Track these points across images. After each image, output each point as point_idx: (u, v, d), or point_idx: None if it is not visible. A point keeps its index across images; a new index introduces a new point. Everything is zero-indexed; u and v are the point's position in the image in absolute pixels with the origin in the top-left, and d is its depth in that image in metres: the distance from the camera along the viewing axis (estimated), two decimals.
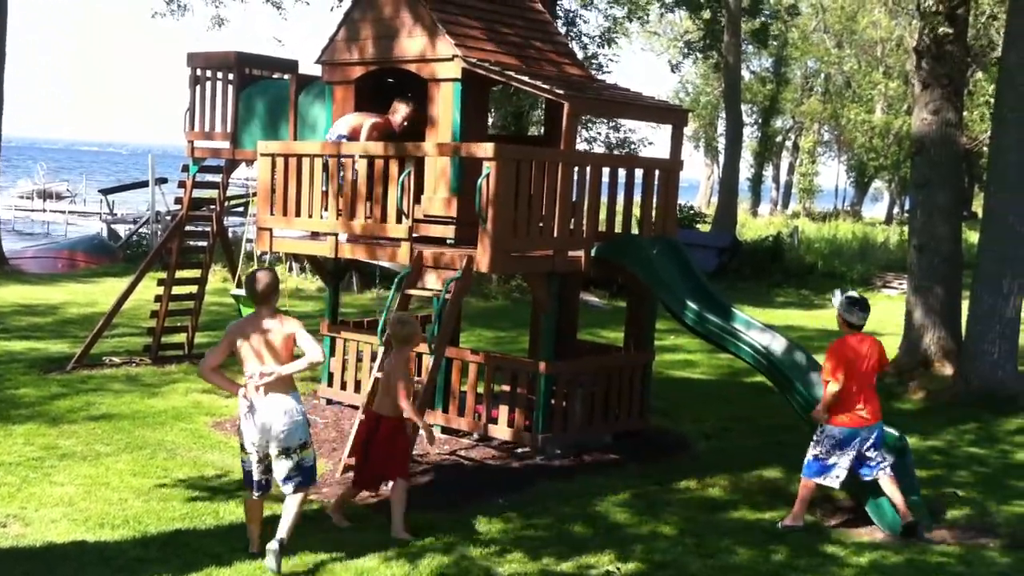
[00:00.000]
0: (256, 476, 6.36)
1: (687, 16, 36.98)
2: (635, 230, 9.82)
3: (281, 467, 6.29)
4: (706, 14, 30.39)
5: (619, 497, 8.01)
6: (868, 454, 7.49)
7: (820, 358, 9.48)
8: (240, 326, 6.36)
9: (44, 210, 40.15)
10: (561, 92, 8.73)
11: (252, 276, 6.38)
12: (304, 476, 6.36)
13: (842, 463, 7.46)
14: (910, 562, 6.88)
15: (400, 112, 9.80)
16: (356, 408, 9.55)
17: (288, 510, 6.30)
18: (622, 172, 9.75)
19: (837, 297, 7.74)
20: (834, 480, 7.52)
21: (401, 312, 7.36)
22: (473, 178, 8.63)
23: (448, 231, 9.21)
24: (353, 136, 9.57)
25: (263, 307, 6.32)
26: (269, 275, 6.36)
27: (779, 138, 58.95)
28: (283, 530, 6.23)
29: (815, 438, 7.60)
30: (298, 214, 9.60)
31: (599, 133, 28.64)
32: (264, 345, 6.21)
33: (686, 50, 37.40)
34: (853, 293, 7.84)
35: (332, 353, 10.50)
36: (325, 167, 9.46)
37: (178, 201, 12.52)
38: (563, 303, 9.73)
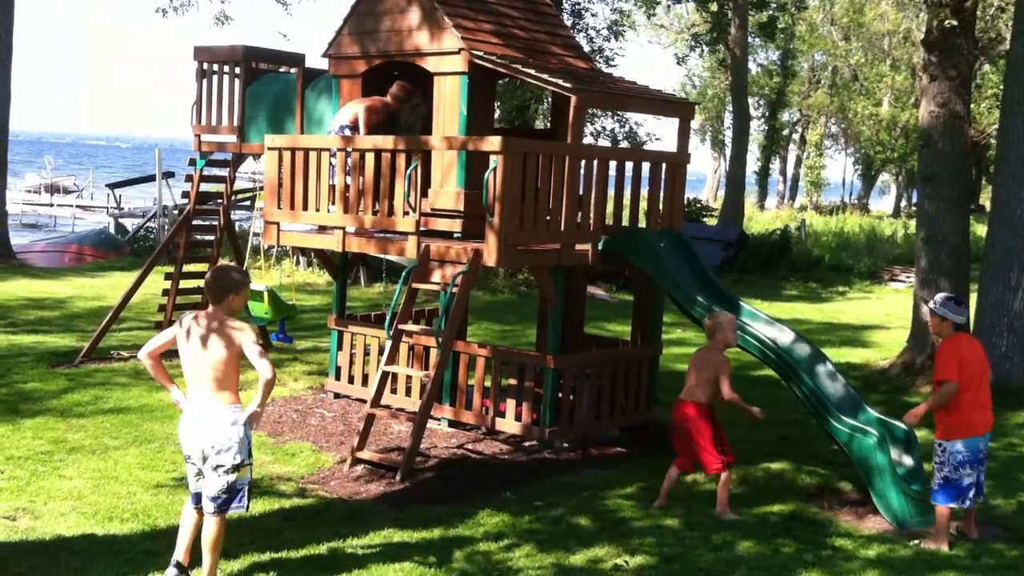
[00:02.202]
0: (192, 487, 5.87)
1: (694, 9, 36.87)
2: (642, 223, 9.81)
3: (210, 484, 5.71)
4: (713, 6, 30.32)
5: (626, 490, 8.02)
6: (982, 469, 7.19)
7: (827, 351, 9.50)
8: (188, 322, 5.74)
9: (51, 204, 40.27)
10: (568, 85, 8.72)
11: (210, 271, 5.86)
12: (232, 498, 5.73)
13: (974, 479, 7.11)
14: (918, 555, 6.88)
15: (393, 92, 9.78)
16: (363, 402, 9.56)
17: (207, 543, 5.75)
18: (629, 165, 9.73)
19: (938, 300, 7.25)
20: (971, 501, 7.16)
21: (719, 312, 7.79)
22: (480, 172, 8.62)
23: (455, 225, 9.22)
24: (355, 125, 9.58)
25: (215, 307, 5.72)
26: (229, 273, 5.77)
27: (786, 131, 58.83)
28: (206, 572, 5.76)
29: (938, 459, 7.15)
30: (305, 208, 9.60)
31: (603, 127, 28.63)
32: (204, 351, 5.64)
33: (693, 43, 37.31)
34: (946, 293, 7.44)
35: (340, 347, 10.52)
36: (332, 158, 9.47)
37: (185, 195, 12.52)
38: (570, 296, 9.73)
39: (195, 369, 5.71)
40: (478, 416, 9.45)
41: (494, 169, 8.25)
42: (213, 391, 5.67)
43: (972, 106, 19.56)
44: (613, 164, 9.47)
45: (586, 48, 23.12)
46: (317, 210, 9.53)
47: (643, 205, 9.78)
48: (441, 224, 9.29)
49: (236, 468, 5.68)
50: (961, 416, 7.05)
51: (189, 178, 12.35)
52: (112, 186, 36.62)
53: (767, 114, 53.30)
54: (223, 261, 15.46)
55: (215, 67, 11.56)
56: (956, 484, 7.06)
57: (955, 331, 7.19)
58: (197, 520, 5.88)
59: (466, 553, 6.53)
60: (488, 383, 9.47)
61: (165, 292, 12.54)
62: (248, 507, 5.88)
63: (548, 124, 11.14)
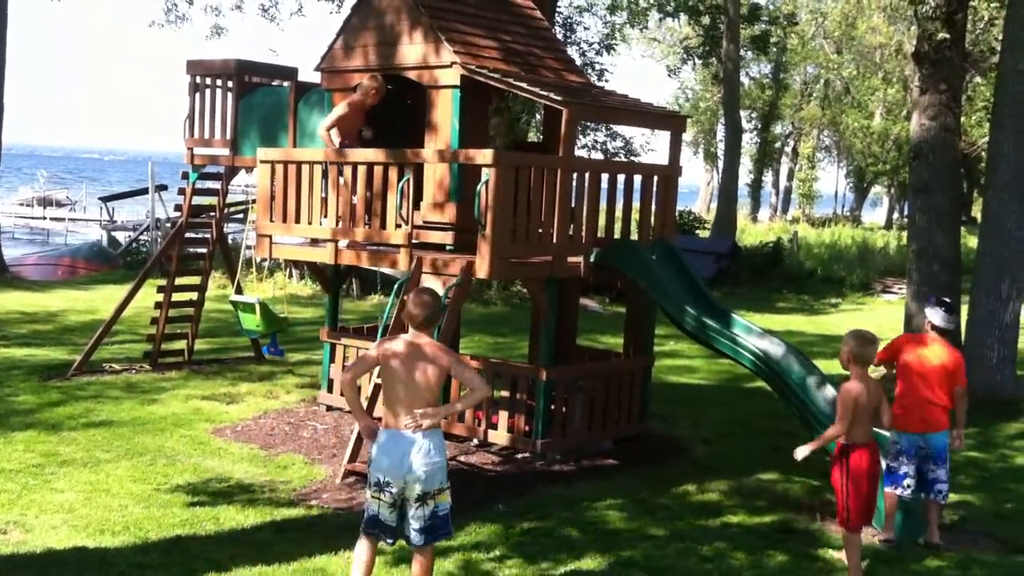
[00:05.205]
0: (385, 519, 5.69)
1: (687, 22, 37.01)
2: (634, 236, 9.84)
3: (416, 515, 5.64)
4: (705, 20, 30.46)
5: (618, 502, 8.03)
6: (932, 467, 7.34)
7: (819, 363, 9.52)
8: (389, 347, 5.69)
9: (44, 217, 40.26)
10: (560, 98, 8.76)
11: (412, 296, 5.71)
12: (438, 526, 5.68)
13: (910, 471, 7.31)
14: (906, 567, 6.89)
15: (363, 85, 9.68)
16: None
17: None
18: (621, 178, 9.76)
19: (931, 303, 7.56)
20: (905, 489, 7.35)
21: (863, 330, 6.81)
22: (472, 184, 8.65)
23: (447, 237, 9.24)
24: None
25: (422, 332, 5.66)
26: (429, 297, 5.67)
27: (778, 144, 58.98)
28: None
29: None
30: (298, 220, 9.62)
31: (595, 141, 28.69)
32: (414, 375, 5.59)
33: (685, 56, 37.42)
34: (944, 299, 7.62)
35: (332, 360, 10.52)
36: (324, 174, 9.50)
37: (178, 208, 12.54)
38: (562, 309, 9.75)
39: (408, 394, 5.62)
40: (470, 428, 9.45)
41: (486, 182, 8.27)
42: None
43: (963, 119, 19.67)
44: (605, 177, 9.50)
45: (578, 62, 23.19)
46: (310, 223, 9.55)
47: (635, 217, 9.81)
48: (433, 237, 9.31)
49: (439, 492, 5.64)
50: (897, 410, 7.27)
51: (182, 191, 12.36)
52: (105, 199, 36.59)
53: (759, 127, 53.42)
54: (214, 273, 15.43)
55: (208, 81, 11.58)
56: (893, 471, 7.38)
57: (931, 330, 7.50)
58: (370, 556, 5.81)
59: (457, 564, 6.53)
60: None
61: (158, 305, 12.53)
62: (452, 532, 5.82)
63: (541, 137, 11.17)
